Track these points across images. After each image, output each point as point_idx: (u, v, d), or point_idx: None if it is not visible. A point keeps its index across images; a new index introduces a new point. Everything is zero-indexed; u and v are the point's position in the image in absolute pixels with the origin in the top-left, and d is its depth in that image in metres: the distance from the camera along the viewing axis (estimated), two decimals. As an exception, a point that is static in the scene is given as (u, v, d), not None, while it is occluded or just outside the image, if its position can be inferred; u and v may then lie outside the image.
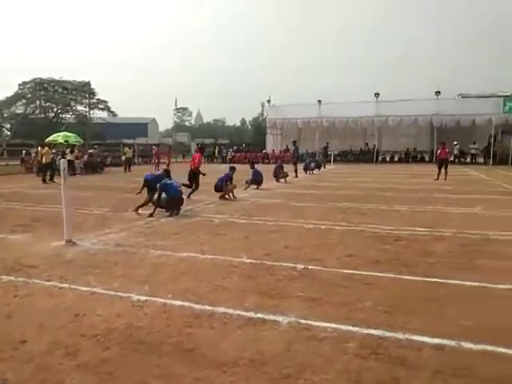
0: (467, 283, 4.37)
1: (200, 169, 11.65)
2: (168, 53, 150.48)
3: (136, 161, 33.92)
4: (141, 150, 38.71)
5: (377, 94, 33.53)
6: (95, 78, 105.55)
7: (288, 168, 18.50)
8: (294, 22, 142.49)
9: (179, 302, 3.86)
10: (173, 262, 5.24)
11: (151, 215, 8.50)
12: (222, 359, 2.84)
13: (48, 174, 17.43)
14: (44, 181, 17.13)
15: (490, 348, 3.00)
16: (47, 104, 51.85)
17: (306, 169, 22.04)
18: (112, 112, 55.85)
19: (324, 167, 26.07)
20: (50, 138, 23.79)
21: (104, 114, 54.96)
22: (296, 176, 19.12)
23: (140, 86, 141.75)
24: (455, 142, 30.14)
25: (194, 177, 11.57)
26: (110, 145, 41.34)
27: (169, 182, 8.87)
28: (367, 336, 3.19)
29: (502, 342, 3.06)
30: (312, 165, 23.16)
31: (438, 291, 4.19)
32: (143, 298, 4.01)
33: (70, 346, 3.05)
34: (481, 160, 32.06)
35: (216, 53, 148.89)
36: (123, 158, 26.65)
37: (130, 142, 42.39)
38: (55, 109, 52.72)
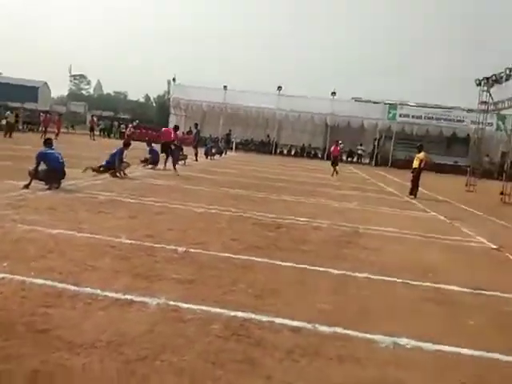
0: (333, 271, 4.76)
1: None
2: (68, 11, 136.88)
3: (20, 127, 30.51)
4: (27, 116, 34.88)
5: (279, 88, 34.61)
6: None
7: (189, 151, 18.27)
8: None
9: (40, 281, 3.57)
10: (42, 238, 4.83)
11: (26, 187, 7.70)
12: (78, 341, 2.70)
13: None
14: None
15: (339, 330, 3.30)
16: None
17: (206, 153, 21.98)
18: (-5, 69, 49.33)
19: (225, 154, 26.29)
20: None
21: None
22: (196, 160, 18.96)
23: (32, 44, 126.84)
24: (340, 141, 32.87)
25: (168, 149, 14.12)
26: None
27: (49, 151, 8.13)
28: (232, 318, 3.29)
29: (353, 326, 3.38)
30: (213, 150, 23.20)
31: (306, 277, 4.50)
32: (0, 275, 3.64)
33: None
34: (366, 161, 35.16)
35: (123, 18, 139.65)
36: (3, 122, 23.78)
37: (17, 105, 37.88)
38: None
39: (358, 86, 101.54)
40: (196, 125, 21.45)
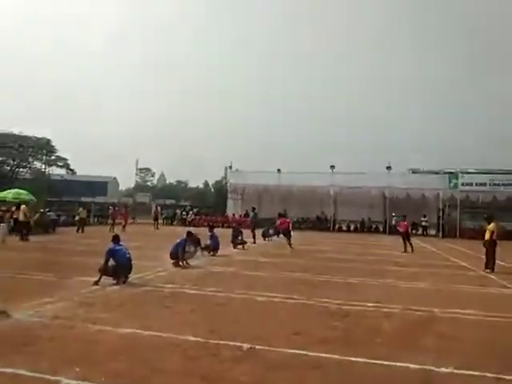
0: (411, 365, 4.35)
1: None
2: (134, 116, 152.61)
3: (91, 221, 32.85)
4: (97, 210, 37.68)
5: (332, 167, 35.11)
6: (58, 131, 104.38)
7: (247, 233, 18.52)
8: (256, 93, 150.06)
9: (111, 388, 3.58)
10: (111, 339, 4.92)
11: (96, 283, 8.07)
12: None
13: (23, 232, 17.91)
14: (22, 239, 17.53)
15: None
16: (3, 158, 50.39)
17: (264, 235, 22.10)
18: (71, 170, 54.98)
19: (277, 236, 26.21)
20: (1, 195, 22.78)
21: (62, 171, 53.96)
22: (254, 242, 19.09)
23: (105, 144, 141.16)
24: (393, 214, 32.58)
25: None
26: (66, 203, 40.03)
27: (117, 247, 8.58)
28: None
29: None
30: (270, 231, 23.31)
31: (384, 374, 4.13)
32: (73, 382, 3.69)
33: None
34: (431, 232, 33.47)
35: (182, 118, 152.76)
36: (76, 217, 25.77)
37: (89, 200, 41.32)
38: (11, 164, 51.25)
39: (412, 158, 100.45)
40: (253, 208, 21.91)
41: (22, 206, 19.08)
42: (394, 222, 33.19)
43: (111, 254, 8.37)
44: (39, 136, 49.58)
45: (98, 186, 67.06)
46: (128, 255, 8.66)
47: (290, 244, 17.16)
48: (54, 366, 4.03)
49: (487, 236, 12.48)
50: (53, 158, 51.73)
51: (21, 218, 18.54)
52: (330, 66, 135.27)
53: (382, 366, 4.36)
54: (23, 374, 3.83)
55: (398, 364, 4.40)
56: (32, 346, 4.58)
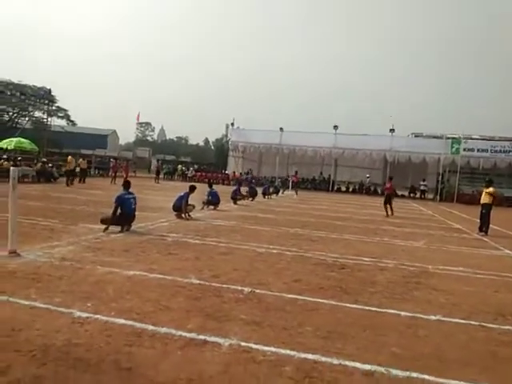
0: (402, 313, 4.63)
1: None
2: (136, 67, 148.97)
3: (92, 172, 33.00)
4: (98, 162, 37.76)
5: (335, 127, 34.82)
6: (58, 83, 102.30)
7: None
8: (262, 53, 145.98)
9: (122, 321, 3.84)
10: (119, 279, 5.18)
11: (105, 230, 8.33)
12: (160, 379, 2.87)
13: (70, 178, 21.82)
14: (67, 185, 21.12)
15: (414, 374, 3.20)
16: (2, 107, 49.65)
17: (264, 193, 22.37)
18: (72, 121, 54.37)
19: (282, 193, 26.57)
20: (2, 143, 22.78)
21: (63, 123, 53.37)
22: (252, 200, 19.36)
23: (104, 97, 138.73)
24: (367, 175, 34.50)
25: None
26: (67, 154, 39.97)
27: (126, 196, 8.75)
28: (303, 360, 3.32)
29: (427, 370, 3.28)
30: (271, 190, 23.62)
31: (375, 320, 4.41)
32: (85, 314, 3.95)
33: (1, 362, 2.96)
34: (430, 196, 33.80)
35: (183, 72, 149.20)
36: (77, 168, 25.87)
37: (89, 152, 41.22)
38: (11, 113, 50.58)
39: (418, 122, 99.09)
40: (250, 170, 22.56)
41: (69, 157, 23.03)
42: (367, 183, 34.18)
43: (120, 201, 8.55)
44: (39, 85, 48.73)
45: (98, 139, 66.62)
46: (134, 206, 8.84)
47: (391, 211, 16.55)
48: (66, 301, 4.28)
49: (487, 199, 12.67)
50: (53, 108, 50.95)
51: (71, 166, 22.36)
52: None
53: (375, 312, 4.64)
54: (38, 306, 4.09)
55: (390, 311, 4.68)
56: (44, 283, 4.82)
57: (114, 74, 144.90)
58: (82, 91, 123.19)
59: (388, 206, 16.58)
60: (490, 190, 12.76)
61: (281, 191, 26.30)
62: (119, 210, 8.52)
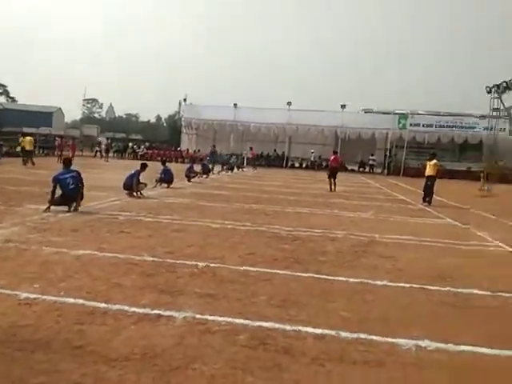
0: (350, 279, 4.85)
1: None
2: (83, 39, 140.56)
3: (37, 152, 31.27)
4: (43, 141, 35.76)
5: (289, 103, 34.98)
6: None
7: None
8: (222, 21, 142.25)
9: (71, 300, 3.74)
10: (68, 259, 5.01)
11: (46, 210, 7.96)
12: (113, 355, 2.84)
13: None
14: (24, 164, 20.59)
15: (362, 336, 3.39)
16: None
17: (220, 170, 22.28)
18: (11, 97, 51.03)
19: (237, 169, 26.57)
20: None
21: (2, 99, 49.95)
22: (207, 177, 19.24)
23: (46, 72, 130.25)
24: (312, 150, 35.27)
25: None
26: (7, 133, 37.47)
27: (61, 176, 8.29)
28: (258, 328, 3.41)
29: (374, 331, 3.48)
30: (225, 166, 23.60)
31: (325, 287, 4.59)
32: (32, 295, 3.81)
33: None
34: (378, 170, 35.10)
35: (136, 46, 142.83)
36: (18, 148, 24.40)
37: (33, 131, 38.85)
38: None
39: (369, 97, 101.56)
40: (213, 146, 24.53)
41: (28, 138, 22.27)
42: (312, 158, 35.29)
43: (56, 181, 8.16)
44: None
45: (42, 117, 62.84)
46: (72, 185, 8.26)
47: (334, 185, 16.04)
48: (11, 283, 4.10)
49: (432, 171, 13.42)
50: (-11, 83, 47.49)
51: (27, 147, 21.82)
52: None
53: (325, 280, 4.82)
54: (-19, 290, 3.89)
55: (339, 278, 4.88)
56: (-14, 267, 4.59)
57: (57, 47, 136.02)
58: (21, 66, 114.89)
59: (332, 180, 16.08)
60: (433, 162, 13.47)
61: (235, 168, 26.28)
62: (59, 191, 8.15)
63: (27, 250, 5.28)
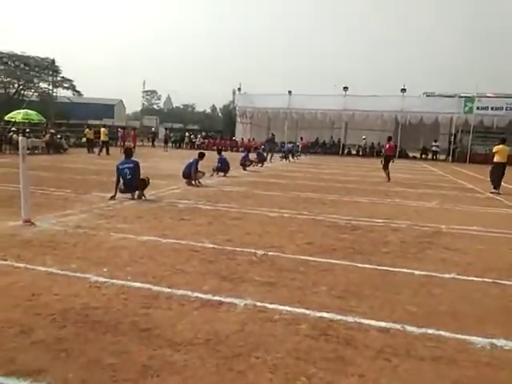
0: (416, 272, 4.63)
1: None
2: (140, 35, 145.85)
3: (100, 143, 32.98)
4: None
5: (345, 88, 33.99)
6: (62, 55, 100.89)
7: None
8: (272, 8, 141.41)
9: (138, 284, 3.90)
10: (133, 245, 5.24)
11: (112, 198, 8.37)
12: (178, 339, 2.92)
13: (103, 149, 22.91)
14: (98, 154, 22.42)
15: (430, 331, 3.22)
16: (7, 79, 49.38)
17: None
18: (77, 91, 53.99)
19: (292, 158, 26.35)
20: (10, 115, 22.75)
21: (69, 93, 53.04)
22: (262, 165, 19.27)
23: (109, 67, 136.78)
24: (363, 137, 34.20)
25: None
26: (74, 125, 39.88)
27: (121, 166, 8.56)
28: (319, 319, 3.35)
29: (443, 326, 3.29)
30: (281, 155, 23.52)
31: (388, 279, 4.42)
32: (101, 279, 4.02)
33: (24, 325, 3.04)
34: (442, 157, 33.31)
35: (188, 38, 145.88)
36: (84, 139, 25.90)
37: (97, 123, 41.01)
38: (16, 85, 50.31)
39: (430, 81, 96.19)
40: (272, 134, 25.96)
41: (102, 129, 24.33)
42: (362, 145, 33.97)
43: (117, 171, 8.53)
44: (42, 56, 48.20)
45: (105, 109, 66.14)
46: (129, 176, 8.49)
47: (388, 176, 15.01)
48: (82, 267, 4.34)
49: (500, 158, 12.50)
50: (58, 79, 50.52)
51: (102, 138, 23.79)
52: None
53: (388, 271, 4.64)
54: (56, 272, 4.16)
55: (403, 270, 4.68)
56: (59, 250, 4.89)
57: (117, 40, 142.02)
58: (84, 60, 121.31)
59: (386, 169, 15.00)
60: (504, 147, 12.53)
61: (290, 157, 26.08)
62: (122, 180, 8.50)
63: (96, 236, 5.58)
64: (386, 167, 15.01)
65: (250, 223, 6.89)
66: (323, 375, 2.54)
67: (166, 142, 32.81)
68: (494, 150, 12.87)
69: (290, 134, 34.07)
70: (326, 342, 2.97)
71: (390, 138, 16.47)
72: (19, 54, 47.36)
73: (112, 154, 21.89)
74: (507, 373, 2.72)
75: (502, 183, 12.54)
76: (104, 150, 22.91)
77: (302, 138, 31.25)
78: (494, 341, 3.08)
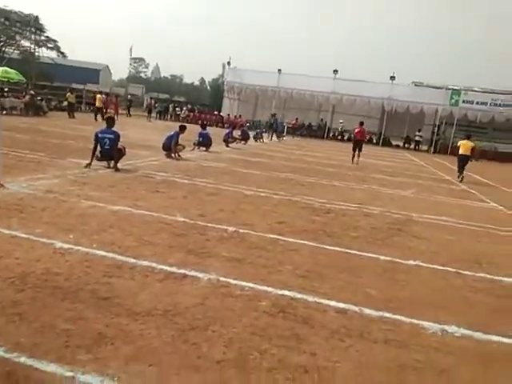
0: (382, 257, 4.72)
1: None
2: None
3: (83, 108, 32.22)
4: (89, 98, 36.65)
5: (335, 71, 33.75)
6: (48, 14, 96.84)
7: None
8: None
9: (103, 253, 3.87)
10: (103, 213, 5.18)
11: (88, 166, 8.20)
12: (137, 309, 2.92)
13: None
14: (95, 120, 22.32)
15: (387, 315, 3.30)
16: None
17: (255, 137, 22.09)
18: (62, 53, 52.11)
19: (277, 138, 26.26)
20: (-13, 72, 21.86)
21: (53, 54, 51.17)
22: (245, 143, 19.16)
23: (96, 29, 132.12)
24: (340, 120, 34.49)
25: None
26: (57, 88, 38.66)
27: (101, 135, 8.35)
28: (280, 296, 3.40)
29: (400, 311, 3.38)
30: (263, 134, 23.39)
31: (354, 262, 4.50)
32: (66, 245, 3.97)
33: (-20, 286, 2.99)
34: (424, 148, 33.66)
35: (182, 5, 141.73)
36: (65, 102, 25.21)
37: (81, 87, 39.87)
38: (-4, 40, 48.24)
39: (420, 70, 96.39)
40: (274, 115, 26.74)
41: (98, 96, 24.55)
42: (340, 129, 34.28)
43: (95, 138, 8.32)
44: (26, 12, 46.12)
45: (90, 73, 64.18)
46: (107, 147, 8.31)
47: (357, 158, 15.77)
48: (48, 233, 4.28)
49: (465, 151, 13.68)
50: (42, 38, 48.60)
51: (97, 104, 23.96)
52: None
53: (354, 255, 4.72)
54: (20, 236, 4.09)
55: (370, 255, 4.77)
56: (26, 214, 4.81)
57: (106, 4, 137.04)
58: (70, 21, 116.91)
59: (356, 152, 15.57)
60: (470, 142, 13.83)
61: (275, 136, 25.98)
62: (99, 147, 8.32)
63: (66, 202, 5.49)
64: (354, 150, 15.66)
65: (225, 200, 6.88)
66: (276, 351, 2.59)
67: (149, 111, 32.18)
68: (458, 144, 14.30)
69: (277, 113, 33.86)
70: (284, 319, 3.02)
71: (361, 123, 16.67)
72: (0, 7, 45.24)
73: (93, 120, 21.44)
74: (454, 358, 2.82)
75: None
76: (99, 115, 22.86)
77: (297, 119, 31.85)
78: (446, 327, 3.18)
